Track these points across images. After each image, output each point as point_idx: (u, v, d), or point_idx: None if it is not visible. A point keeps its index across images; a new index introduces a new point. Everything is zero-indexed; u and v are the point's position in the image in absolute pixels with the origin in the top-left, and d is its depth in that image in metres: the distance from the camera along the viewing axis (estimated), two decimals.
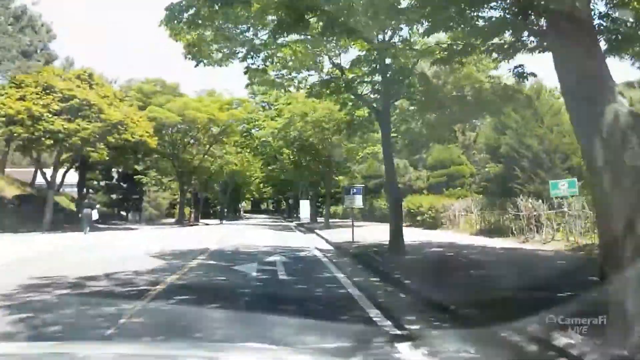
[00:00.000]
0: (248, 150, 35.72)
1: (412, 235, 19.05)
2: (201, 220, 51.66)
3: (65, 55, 41.40)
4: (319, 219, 38.67)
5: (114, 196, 35.36)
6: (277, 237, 21.60)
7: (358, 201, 17.11)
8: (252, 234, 23.12)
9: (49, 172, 27.00)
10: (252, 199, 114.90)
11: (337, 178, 46.01)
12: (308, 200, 47.18)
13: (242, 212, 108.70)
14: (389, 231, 12.30)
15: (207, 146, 36.94)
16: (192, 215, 40.52)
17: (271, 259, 12.22)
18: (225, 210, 79.43)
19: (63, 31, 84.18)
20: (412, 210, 24.68)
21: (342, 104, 13.90)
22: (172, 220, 44.08)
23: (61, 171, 32.00)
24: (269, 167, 51.47)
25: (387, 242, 12.51)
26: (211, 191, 71.95)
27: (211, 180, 44.44)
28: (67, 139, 23.31)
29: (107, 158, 25.08)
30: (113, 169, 38.38)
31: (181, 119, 31.63)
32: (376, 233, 21.29)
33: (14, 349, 2.36)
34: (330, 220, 39.92)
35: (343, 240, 17.18)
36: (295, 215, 62.62)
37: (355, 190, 17.19)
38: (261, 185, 76.96)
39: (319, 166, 28.82)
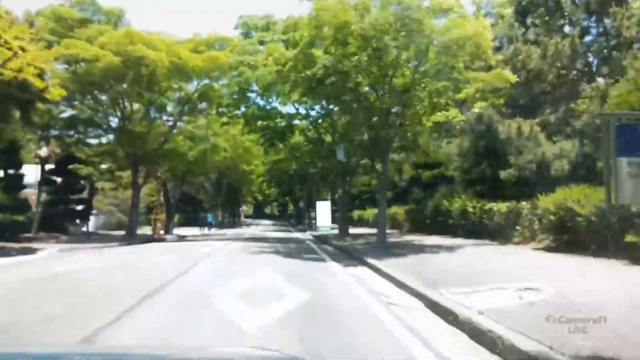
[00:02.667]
0: (241, 122, 22.51)
1: None
2: (182, 230, 38.56)
3: None
4: (354, 231, 25.54)
5: (23, 195, 22.20)
6: (299, 300, 8.09)
7: None
8: (230, 286, 8.20)
9: None
10: (254, 202, 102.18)
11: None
12: (328, 202, 34.03)
13: (242, 217, 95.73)
14: None
15: (176, 118, 23.81)
16: (157, 224, 27.39)
17: None
18: (220, 215, 66.44)
19: None
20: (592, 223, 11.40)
21: None
22: (146, 230, 31.29)
23: None
24: (274, 156, 38.64)
25: None
26: (204, 191, 59.40)
27: (192, 173, 31.37)
28: None
29: None
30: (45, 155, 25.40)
31: (122, 62, 18.54)
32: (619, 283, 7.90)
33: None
34: (360, 231, 26.65)
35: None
36: (308, 222, 49.49)
37: None
38: (264, 184, 64.40)
39: (367, 134, 15.59)
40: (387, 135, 14.41)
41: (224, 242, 20.12)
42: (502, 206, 15.38)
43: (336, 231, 31.90)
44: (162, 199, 30.70)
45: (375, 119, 14.32)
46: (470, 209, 17.50)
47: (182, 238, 28.27)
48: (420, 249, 14.08)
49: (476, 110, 18.46)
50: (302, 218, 58.32)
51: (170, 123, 25.22)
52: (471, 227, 17.60)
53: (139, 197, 23.70)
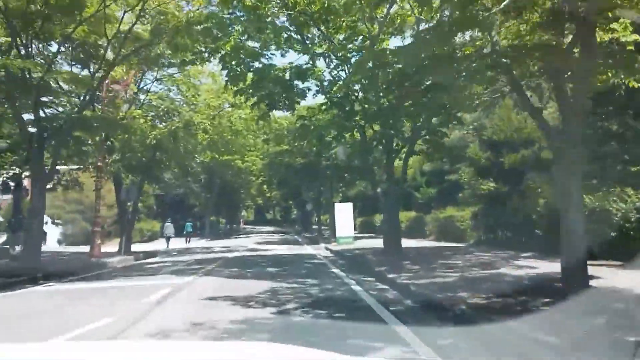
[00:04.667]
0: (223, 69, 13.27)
1: None
2: (156, 244, 29.36)
3: None
4: (416, 243, 16.20)
5: None
6: None
7: None
8: None
9: None
10: (254, 206, 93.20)
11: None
12: (350, 204, 24.72)
13: (242, 224, 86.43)
14: None
15: (106, 63, 14.36)
16: (95, 240, 17.89)
17: None
18: (220, 221, 57.17)
19: None
20: None
21: None
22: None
23: None
24: (275, 147, 29.74)
25: None
26: (194, 195, 50.50)
27: (158, 166, 22.07)
28: None
29: None
30: None
31: None
32: None
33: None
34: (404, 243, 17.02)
35: None
36: (318, 229, 40.07)
37: None
38: (265, 187, 55.57)
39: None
40: None
41: (180, 282, 10.55)
42: None
43: (362, 243, 22.60)
44: (101, 201, 21.42)
45: None
46: None
47: (140, 259, 19.01)
48: None
49: None
50: (309, 224, 48.94)
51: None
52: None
53: (43, 198, 14.26)
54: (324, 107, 14.59)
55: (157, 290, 8.89)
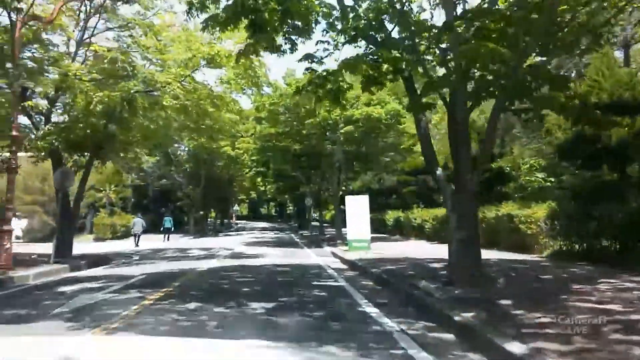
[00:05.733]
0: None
1: None
2: (125, 242, 23.96)
3: None
4: (434, 252, 10.44)
5: None
6: None
7: None
8: None
9: None
10: (248, 200, 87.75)
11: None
12: (366, 196, 19.22)
13: (234, 219, 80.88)
14: None
15: None
16: (4, 242, 12.12)
17: None
18: (217, 219, 51.69)
19: None
20: None
21: None
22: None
23: None
24: (269, 128, 24.71)
25: None
26: (180, 187, 45.05)
27: (111, 144, 16.50)
28: None
29: None
30: None
31: None
32: None
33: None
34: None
35: None
36: (320, 227, 34.63)
37: None
38: (259, 179, 50.43)
39: None
40: None
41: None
42: None
43: (380, 248, 17.24)
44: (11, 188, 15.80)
45: None
46: None
47: (80, 268, 13.50)
48: None
49: None
50: (308, 221, 43.54)
51: None
52: None
53: None
54: (342, 41, 9.14)
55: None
